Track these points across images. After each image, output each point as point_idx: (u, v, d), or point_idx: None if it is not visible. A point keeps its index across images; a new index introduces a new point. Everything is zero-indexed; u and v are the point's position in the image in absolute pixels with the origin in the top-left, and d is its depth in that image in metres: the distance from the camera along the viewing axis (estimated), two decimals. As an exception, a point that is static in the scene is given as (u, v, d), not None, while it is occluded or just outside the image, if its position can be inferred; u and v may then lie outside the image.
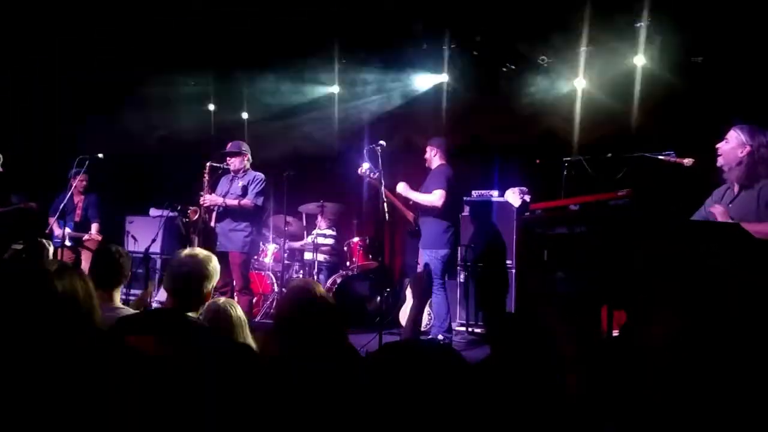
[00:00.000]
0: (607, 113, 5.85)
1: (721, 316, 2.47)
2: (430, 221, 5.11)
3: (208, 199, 5.38)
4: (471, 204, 6.04)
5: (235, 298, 5.04)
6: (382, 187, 4.84)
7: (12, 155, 6.30)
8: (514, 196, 5.35)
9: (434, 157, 5.35)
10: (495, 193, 5.96)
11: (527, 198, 5.24)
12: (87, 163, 5.67)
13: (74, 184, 6.35)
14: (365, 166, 5.17)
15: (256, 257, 6.52)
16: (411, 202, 5.25)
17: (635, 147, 4.56)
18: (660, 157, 4.30)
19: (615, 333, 3.59)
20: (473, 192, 6.08)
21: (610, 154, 4.53)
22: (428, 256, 5.12)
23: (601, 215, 3.36)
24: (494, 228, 5.86)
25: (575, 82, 6.27)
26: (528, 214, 4.37)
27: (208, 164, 5.49)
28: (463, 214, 6.04)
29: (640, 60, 5.91)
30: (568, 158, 4.40)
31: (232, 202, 5.35)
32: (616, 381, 2.67)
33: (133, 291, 6.12)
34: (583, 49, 6.23)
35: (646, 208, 3.65)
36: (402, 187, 5.19)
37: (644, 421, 2.45)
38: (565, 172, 4.33)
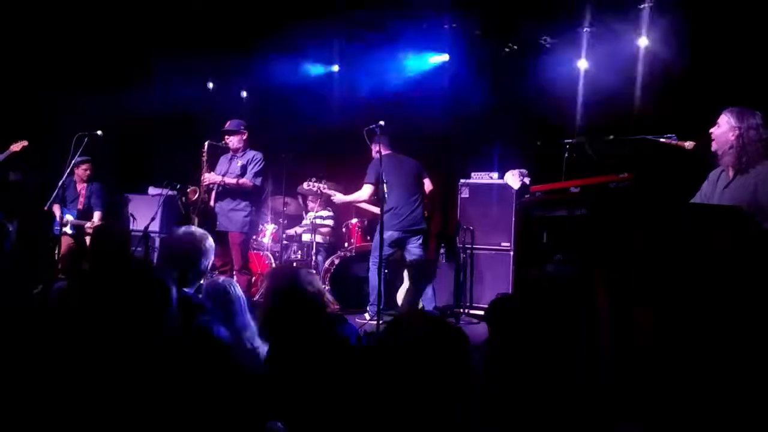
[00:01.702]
0: (609, 95, 5.81)
1: (718, 303, 2.48)
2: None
3: (207, 177, 5.36)
4: (469, 186, 6.02)
5: (234, 277, 5.04)
6: (334, 197, 5.56)
7: (9, 132, 6.28)
8: (513, 179, 5.32)
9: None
10: (494, 175, 5.94)
11: (527, 180, 5.23)
12: (86, 140, 5.63)
13: (77, 173, 6.31)
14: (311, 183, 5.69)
15: (254, 237, 6.51)
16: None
17: (637, 129, 4.54)
18: (661, 140, 4.27)
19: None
20: (472, 174, 6.06)
21: (611, 137, 4.51)
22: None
23: (601, 198, 3.35)
24: (493, 210, 5.85)
25: (577, 64, 6.23)
26: (528, 196, 4.36)
27: (206, 143, 5.46)
28: (462, 196, 6.03)
29: (643, 42, 5.86)
30: (569, 140, 4.38)
31: (230, 181, 5.33)
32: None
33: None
34: (585, 30, 6.17)
35: (647, 191, 3.64)
36: (337, 198, 5.69)
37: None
38: (566, 155, 4.31)
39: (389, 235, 5.28)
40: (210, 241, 2.78)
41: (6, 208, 6.30)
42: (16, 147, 6.13)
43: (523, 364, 2.10)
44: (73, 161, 6.14)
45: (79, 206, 6.49)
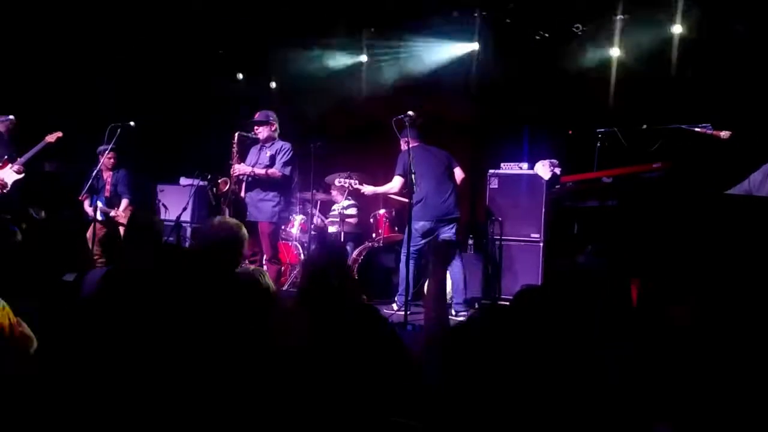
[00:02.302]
0: (643, 84, 5.70)
1: (756, 298, 2.42)
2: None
3: (237, 168, 5.42)
4: (499, 177, 5.97)
5: (264, 267, 5.10)
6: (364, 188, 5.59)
7: (45, 123, 6.42)
8: (544, 169, 5.27)
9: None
10: (524, 165, 5.88)
11: (557, 171, 5.17)
12: (119, 131, 5.73)
13: (103, 161, 6.43)
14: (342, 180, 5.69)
15: (283, 228, 6.56)
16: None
17: (671, 119, 4.45)
18: (696, 129, 4.19)
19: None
20: (501, 164, 6.00)
21: (645, 126, 4.43)
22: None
23: (634, 188, 3.30)
24: (522, 201, 5.80)
25: (610, 52, 6.11)
26: (558, 186, 4.31)
27: (236, 134, 5.51)
28: (491, 186, 5.99)
29: (677, 29, 5.73)
30: (602, 129, 4.32)
31: (260, 171, 5.38)
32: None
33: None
34: (618, 18, 6.06)
35: (682, 182, 3.57)
36: (366, 190, 5.71)
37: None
38: (598, 144, 4.25)
39: (421, 225, 5.26)
40: (244, 231, 2.84)
41: (40, 197, 6.48)
42: (50, 138, 6.26)
43: (548, 358, 2.07)
44: (98, 150, 6.26)
45: (106, 194, 6.58)
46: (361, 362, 2.22)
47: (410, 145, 5.06)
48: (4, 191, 6.09)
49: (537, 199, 5.70)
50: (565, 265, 3.64)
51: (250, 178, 5.45)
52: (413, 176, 4.91)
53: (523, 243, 5.75)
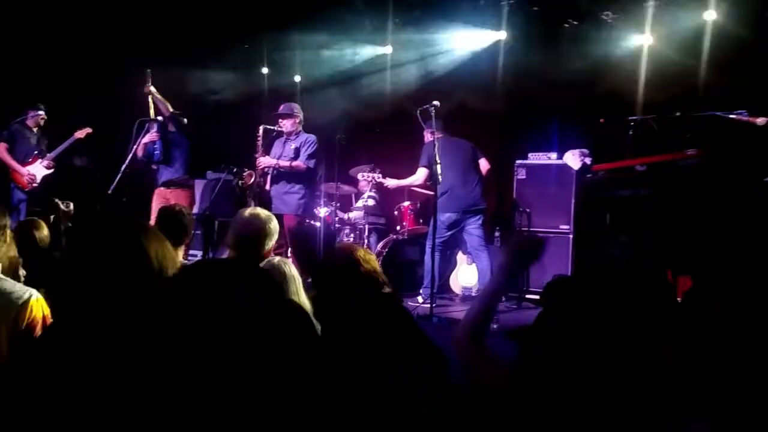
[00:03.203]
0: (675, 71, 5.55)
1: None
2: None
3: (262, 161, 5.44)
4: (527, 167, 5.87)
5: (290, 258, 5.10)
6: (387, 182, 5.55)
7: (73, 118, 6.49)
8: (573, 159, 5.18)
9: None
10: (553, 155, 5.77)
11: (588, 161, 5.07)
12: (146, 125, 5.77)
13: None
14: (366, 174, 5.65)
15: (308, 220, 6.55)
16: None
17: (705, 106, 4.33)
18: (731, 116, 4.07)
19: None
20: (530, 154, 5.90)
21: (678, 114, 4.32)
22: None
23: (669, 176, 3.21)
24: (551, 192, 5.69)
25: (641, 39, 5.97)
26: (590, 176, 4.23)
27: (261, 127, 5.53)
28: (519, 177, 5.89)
29: (710, 15, 5.57)
30: (634, 117, 4.22)
31: (284, 164, 5.38)
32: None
33: (191, 251, 6.22)
34: (650, 4, 5.91)
35: (718, 169, 3.46)
36: (390, 183, 5.65)
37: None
38: (630, 132, 4.15)
39: (447, 217, 5.20)
40: (274, 223, 2.87)
41: (69, 192, 6.55)
42: (80, 134, 6.34)
43: (581, 351, 2.01)
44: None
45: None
46: (381, 352, 2.19)
47: (435, 136, 5.00)
48: (34, 186, 6.18)
49: (566, 190, 5.58)
50: (597, 255, 3.56)
51: (275, 171, 5.46)
52: (438, 167, 4.85)
53: (551, 234, 5.64)
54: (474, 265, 5.65)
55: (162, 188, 5.63)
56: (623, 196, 3.44)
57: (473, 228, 5.32)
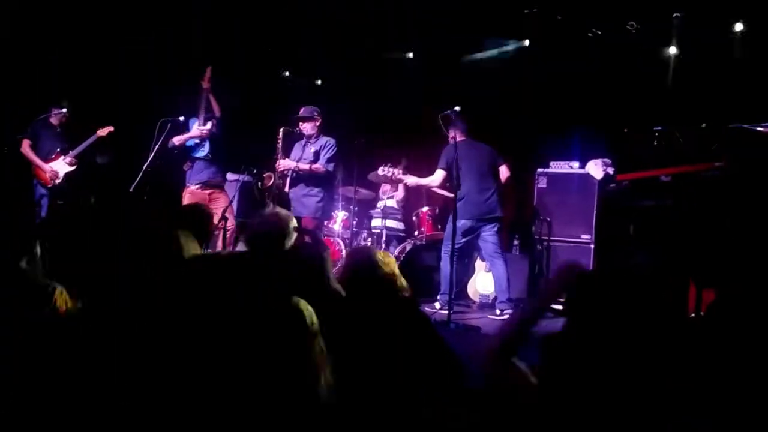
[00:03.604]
0: (701, 82, 5.50)
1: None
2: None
3: (282, 163, 5.46)
4: (548, 175, 5.82)
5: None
6: (407, 179, 5.45)
7: (97, 117, 6.56)
8: (596, 168, 5.13)
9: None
10: (575, 164, 5.71)
11: (610, 171, 5.02)
12: (169, 125, 5.80)
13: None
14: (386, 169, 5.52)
15: (326, 223, 6.56)
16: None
17: (731, 118, 4.26)
18: (758, 128, 4.00)
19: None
20: (551, 163, 5.86)
21: (704, 125, 4.26)
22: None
23: (694, 187, 3.15)
24: (572, 201, 5.64)
25: (667, 50, 5.92)
26: (613, 185, 4.18)
27: (281, 129, 5.55)
28: (540, 185, 5.85)
29: (738, 26, 5.51)
30: (659, 128, 4.17)
31: (304, 166, 5.40)
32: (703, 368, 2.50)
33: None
34: (675, 15, 5.87)
35: (744, 181, 3.40)
36: (410, 180, 5.55)
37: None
38: (655, 143, 4.10)
39: (462, 224, 5.16)
40: (294, 223, 2.87)
41: (91, 189, 6.61)
42: (102, 132, 6.39)
43: (600, 357, 1.98)
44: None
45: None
46: (398, 355, 2.17)
47: (457, 139, 4.99)
48: (56, 182, 6.24)
49: (588, 200, 5.52)
50: (619, 265, 3.50)
51: (294, 174, 5.47)
52: (458, 172, 4.83)
53: (572, 244, 5.59)
54: (491, 272, 5.63)
55: (198, 188, 5.56)
56: (647, 206, 3.38)
57: (488, 235, 5.28)
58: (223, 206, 5.29)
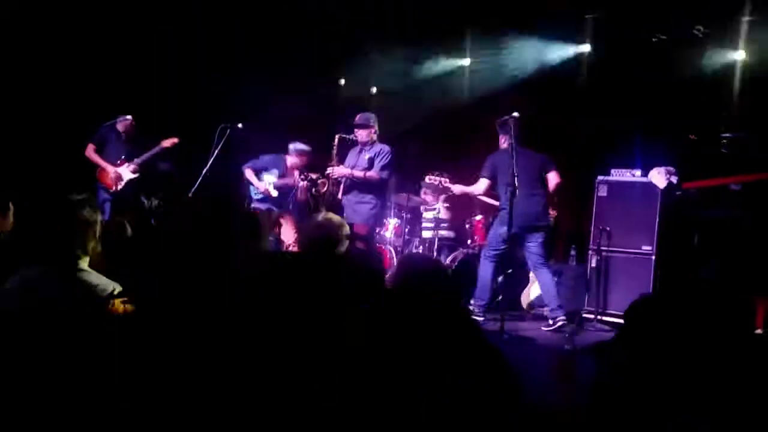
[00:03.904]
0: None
1: None
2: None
3: (336, 170, 5.50)
4: (608, 183, 5.64)
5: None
6: (454, 188, 5.41)
7: (162, 124, 6.76)
8: (659, 177, 4.94)
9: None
10: (637, 172, 5.50)
11: (674, 179, 4.82)
12: (228, 132, 5.93)
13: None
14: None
15: (378, 230, 6.55)
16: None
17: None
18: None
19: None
20: (612, 171, 5.66)
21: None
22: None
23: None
24: (634, 211, 5.44)
25: (735, 55, 5.68)
26: (679, 193, 4.01)
27: (337, 136, 5.59)
28: (600, 194, 5.67)
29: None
30: (727, 135, 3.98)
31: (358, 173, 5.42)
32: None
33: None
34: (744, 20, 5.62)
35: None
36: (456, 188, 5.50)
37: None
38: (723, 150, 3.91)
39: (504, 230, 5.03)
40: (346, 229, 2.87)
41: (152, 194, 6.79)
42: (167, 143, 6.52)
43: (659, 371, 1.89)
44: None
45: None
46: (454, 369, 2.12)
47: (507, 145, 4.95)
48: (119, 187, 6.42)
49: (650, 209, 5.29)
50: (686, 279, 3.35)
51: (348, 181, 5.50)
52: (515, 178, 4.73)
53: (632, 255, 5.38)
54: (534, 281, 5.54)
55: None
56: (715, 216, 3.23)
57: (533, 246, 5.19)
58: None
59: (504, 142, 5.18)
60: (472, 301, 5.33)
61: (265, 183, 6.35)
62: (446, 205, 6.91)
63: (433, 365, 2.16)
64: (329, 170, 5.55)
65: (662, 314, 2.11)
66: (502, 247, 5.16)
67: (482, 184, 5.31)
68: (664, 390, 1.70)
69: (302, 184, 6.12)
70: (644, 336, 2.00)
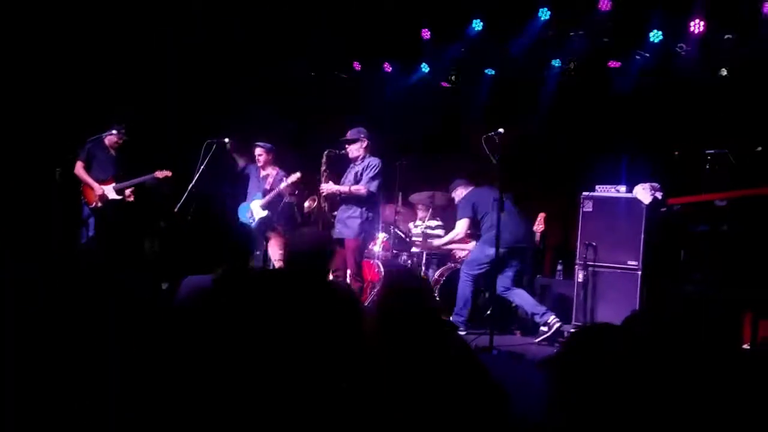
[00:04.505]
0: (753, 104, 5.32)
1: None
2: None
3: (324, 188, 5.46)
4: (593, 199, 5.68)
5: (349, 282, 5.10)
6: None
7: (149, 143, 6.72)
8: (644, 193, 4.98)
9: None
10: (622, 188, 5.55)
11: (659, 195, 4.87)
12: (214, 147, 5.90)
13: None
14: None
15: (370, 244, 6.50)
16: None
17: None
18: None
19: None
20: (597, 187, 5.71)
21: (760, 148, 4.12)
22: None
23: (754, 212, 3.02)
24: (619, 226, 5.49)
25: (718, 71, 5.78)
26: (664, 209, 4.05)
27: (325, 153, 5.56)
28: (585, 209, 5.70)
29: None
30: (711, 151, 4.04)
31: (344, 189, 5.38)
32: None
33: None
34: (726, 37, 5.74)
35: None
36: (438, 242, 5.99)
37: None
38: (707, 166, 3.96)
39: (492, 252, 5.09)
40: (332, 246, 2.86)
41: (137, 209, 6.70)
42: (159, 174, 6.40)
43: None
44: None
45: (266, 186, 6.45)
46: (438, 385, 2.12)
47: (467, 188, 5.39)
48: (98, 205, 6.32)
49: (635, 225, 5.33)
50: (671, 293, 3.37)
51: (339, 197, 5.47)
52: (501, 195, 4.81)
53: (618, 270, 5.41)
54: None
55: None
56: (701, 231, 3.26)
57: (510, 269, 5.39)
58: None
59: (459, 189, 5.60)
60: (451, 317, 5.37)
61: (257, 213, 6.27)
62: (437, 220, 6.93)
63: (417, 380, 2.15)
64: (321, 188, 5.53)
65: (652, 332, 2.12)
66: (486, 268, 5.30)
67: (464, 224, 5.54)
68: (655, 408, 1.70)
69: (284, 184, 6.00)
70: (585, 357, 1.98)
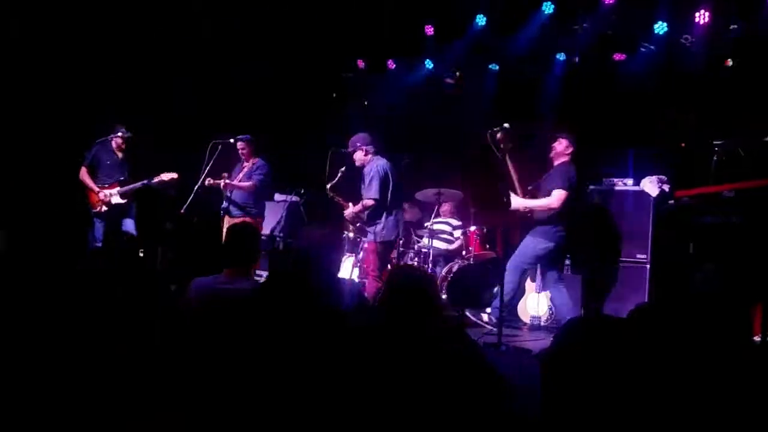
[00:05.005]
0: (760, 94, 5.28)
1: None
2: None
3: (347, 215, 5.51)
4: (600, 193, 5.64)
5: (367, 283, 5.24)
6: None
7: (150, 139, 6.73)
8: (651, 186, 4.94)
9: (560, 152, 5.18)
10: (629, 181, 5.53)
11: (666, 188, 4.83)
12: (219, 147, 5.91)
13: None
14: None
15: (399, 242, 6.45)
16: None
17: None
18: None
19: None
20: (604, 180, 5.68)
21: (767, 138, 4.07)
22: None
23: (763, 202, 2.99)
24: (627, 219, 5.45)
25: (725, 62, 5.74)
26: (672, 202, 4.01)
27: (329, 152, 5.53)
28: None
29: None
30: (719, 142, 4.00)
31: (358, 209, 5.37)
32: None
33: (258, 271, 6.27)
34: (731, 27, 5.69)
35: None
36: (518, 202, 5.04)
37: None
38: (715, 158, 3.93)
39: (547, 246, 5.03)
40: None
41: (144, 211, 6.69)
42: (165, 177, 6.36)
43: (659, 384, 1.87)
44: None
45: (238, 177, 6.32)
46: (444, 384, 2.11)
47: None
48: (102, 209, 6.31)
49: (643, 218, 5.31)
50: (681, 284, 3.35)
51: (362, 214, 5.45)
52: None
53: (627, 264, 5.38)
54: (543, 293, 5.51)
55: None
56: (709, 223, 3.23)
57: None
58: None
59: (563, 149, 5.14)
60: (488, 310, 5.30)
61: None
62: (458, 222, 6.92)
63: (420, 376, 2.14)
64: (345, 214, 5.54)
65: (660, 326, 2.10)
66: (535, 261, 5.16)
67: (562, 195, 4.97)
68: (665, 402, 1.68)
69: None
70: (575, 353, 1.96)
